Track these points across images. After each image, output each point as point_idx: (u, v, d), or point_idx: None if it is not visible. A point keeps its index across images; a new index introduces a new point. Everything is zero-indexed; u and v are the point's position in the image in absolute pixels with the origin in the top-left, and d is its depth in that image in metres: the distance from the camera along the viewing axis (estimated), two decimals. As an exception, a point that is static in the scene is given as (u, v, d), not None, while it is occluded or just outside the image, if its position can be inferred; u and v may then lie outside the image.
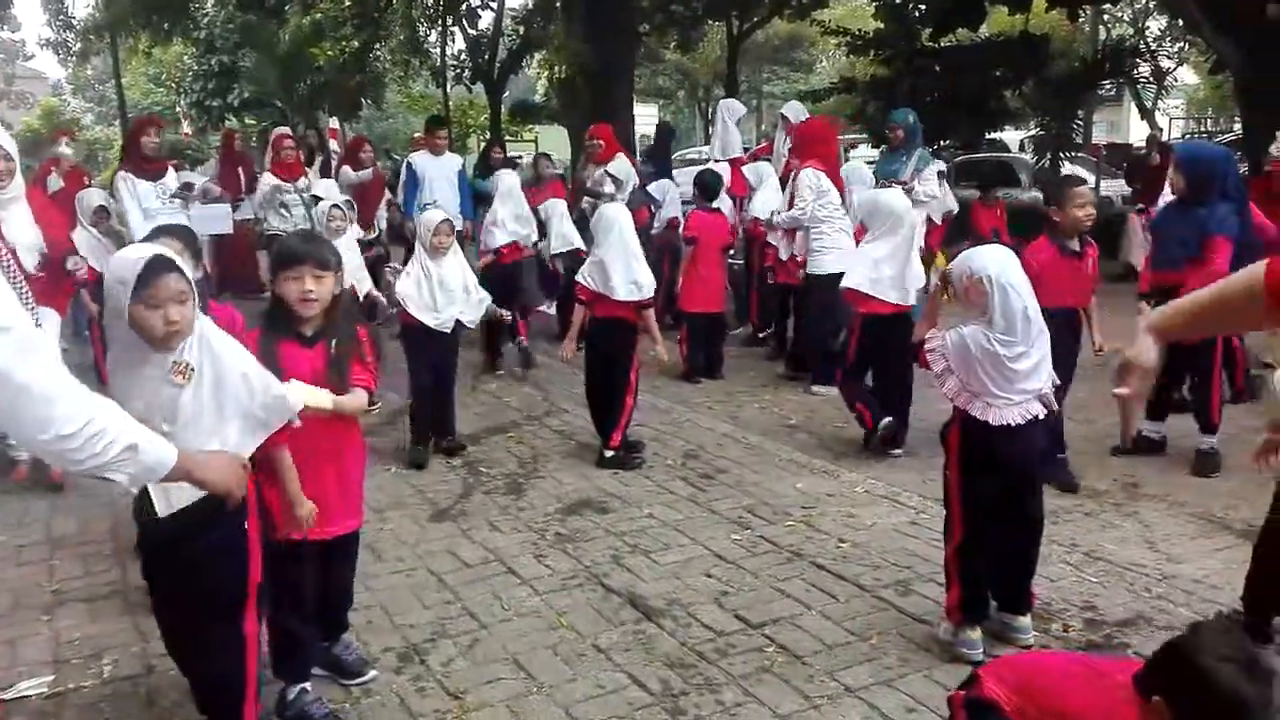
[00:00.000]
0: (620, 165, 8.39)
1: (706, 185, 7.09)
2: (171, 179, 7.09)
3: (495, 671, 3.14)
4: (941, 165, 8.56)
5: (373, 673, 3.11)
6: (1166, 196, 6.45)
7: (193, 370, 2.30)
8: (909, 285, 5.24)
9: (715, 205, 7.12)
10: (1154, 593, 3.61)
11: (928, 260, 7.78)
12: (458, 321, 5.19)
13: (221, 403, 2.32)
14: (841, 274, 5.47)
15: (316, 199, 7.23)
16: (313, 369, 2.76)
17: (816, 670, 3.11)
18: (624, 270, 5.07)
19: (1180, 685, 1.78)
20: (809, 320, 6.76)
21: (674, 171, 9.84)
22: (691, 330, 7.02)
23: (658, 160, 9.94)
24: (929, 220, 7.82)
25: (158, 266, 2.22)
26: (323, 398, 2.70)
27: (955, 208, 8.17)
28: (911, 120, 7.69)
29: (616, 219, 5.16)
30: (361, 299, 6.00)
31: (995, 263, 3.08)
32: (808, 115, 8.50)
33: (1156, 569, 3.80)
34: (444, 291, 5.06)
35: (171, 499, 2.31)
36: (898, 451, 5.25)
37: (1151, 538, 4.13)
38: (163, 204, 6.53)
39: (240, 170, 10.04)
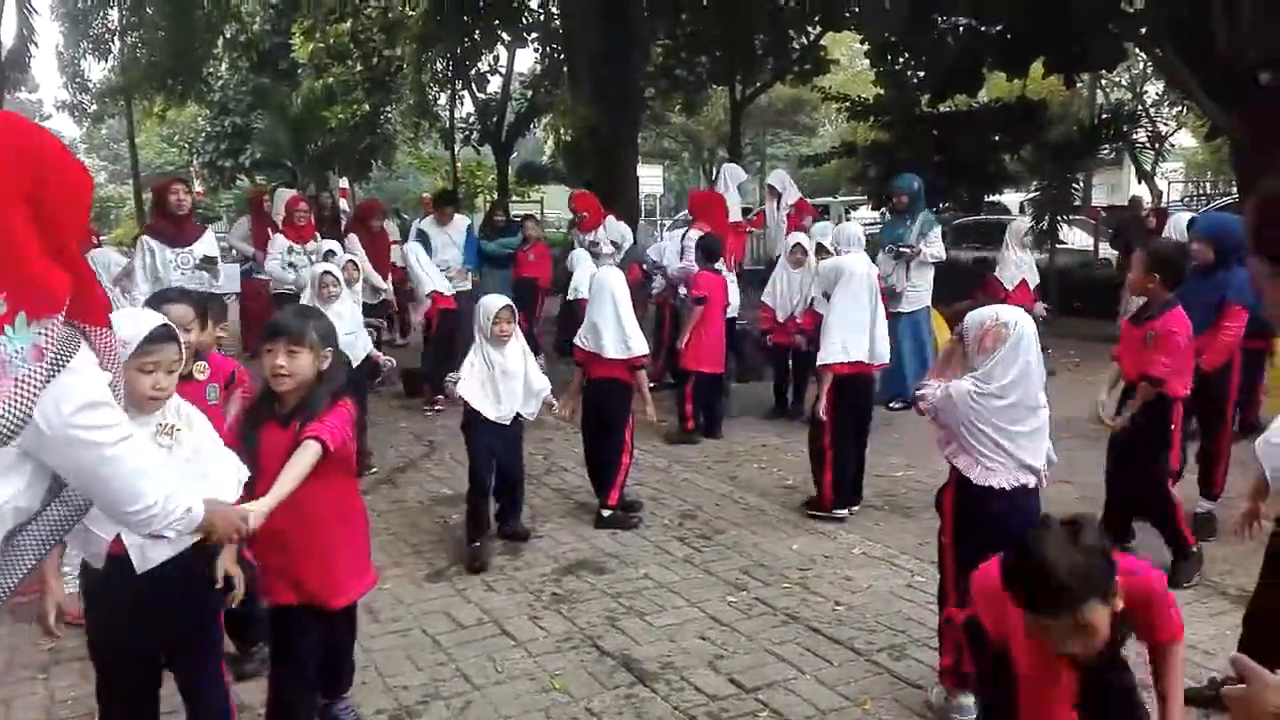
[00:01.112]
0: (618, 228, 8.58)
1: (709, 248, 7.20)
2: (204, 245, 6.32)
3: (487, 735, 3.14)
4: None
5: (364, 735, 3.12)
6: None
7: (179, 431, 2.40)
8: (871, 345, 5.25)
9: (718, 267, 7.22)
10: (1147, 658, 3.58)
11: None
12: (518, 413, 4.84)
13: (195, 468, 2.40)
14: None
15: (331, 254, 7.21)
16: (287, 450, 2.70)
17: (808, 735, 3.10)
18: (615, 330, 5.17)
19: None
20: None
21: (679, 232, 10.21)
22: (695, 389, 7.06)
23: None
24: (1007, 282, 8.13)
25: (160, 335, 2.35)
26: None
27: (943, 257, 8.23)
28: (916, 186, 7.85)
29: (607, 281, 5.28)
30: (356, 363, 5.97)
31: (1023, 318, 3.15)
32: (792, 184, 8.85)
33: (1152, 634, 3.78)
34: (505, 381, 4.73)
35: (148, 554, 2.39)
36: (843, 512, 5.22)
37: (1148, 602, 4.11)
38: (183, 275, 5.93)
39: (269, 229, 10.11)
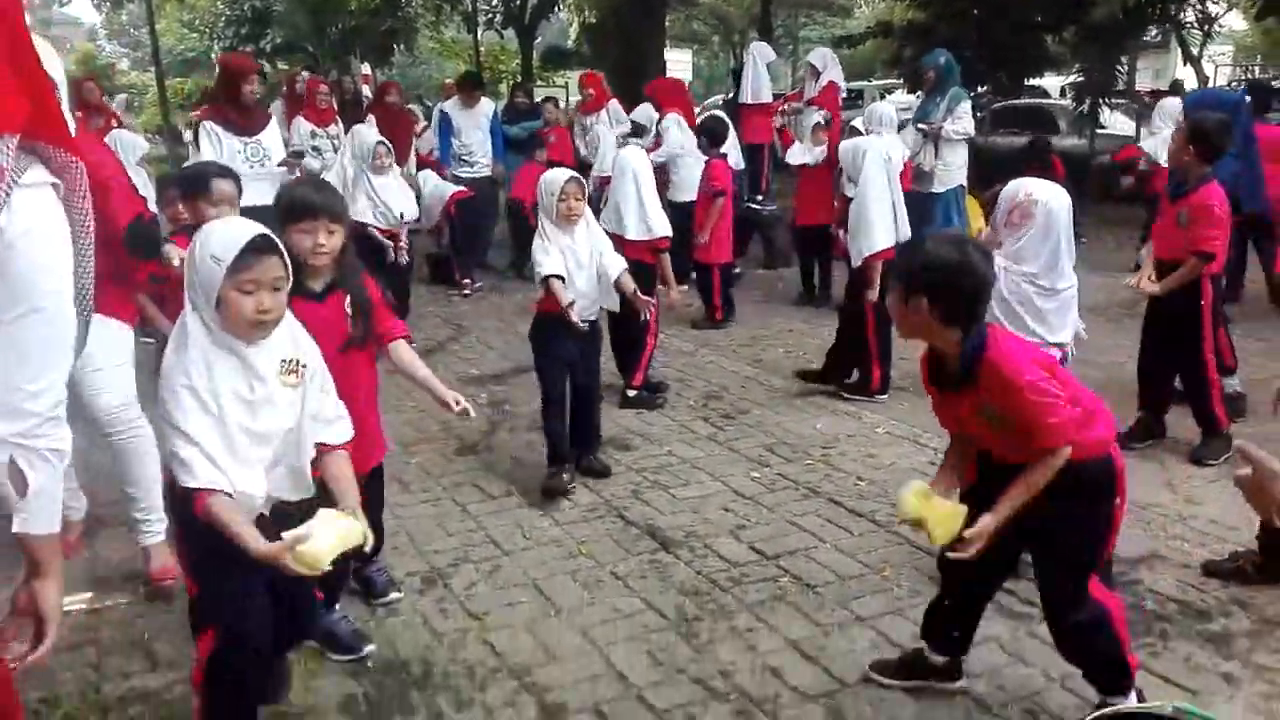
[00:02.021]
0: (642, 110, 8.42)
1: (713, 131, 6.97)
2: (270, 135, 5.82)
3: (515, 595, 3.24)
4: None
5: (397, 594, 3.23)
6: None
7: (304, 367, 2.20)
8: (899, 224, 5.25)
9: (724, 151, 7.04)
10: (1170, 532, 3.63)
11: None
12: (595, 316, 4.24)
13: (319, 415, 2.26)
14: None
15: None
16: (327, 324, 2.59)
17: (828, 599, 3.18)
18: (636, 211, 5.12)
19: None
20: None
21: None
22: (723, 278, 6.97)
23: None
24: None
25: (260, 245, 2.04)
26: (354, 533, 2.13)
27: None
28: (943, 61, 7.57)
29: (629, 161, 5.21)
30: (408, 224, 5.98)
31: (1053, 194, 3.12)
32: (835, 62, 8.53)
33: (1175, 510, 3.82)
34: (578, 271, 4.05)
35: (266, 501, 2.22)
36: (884, 396, 5.26)
37: (1172, 480, 4.13)
38: (251, 168, 5.43)
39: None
